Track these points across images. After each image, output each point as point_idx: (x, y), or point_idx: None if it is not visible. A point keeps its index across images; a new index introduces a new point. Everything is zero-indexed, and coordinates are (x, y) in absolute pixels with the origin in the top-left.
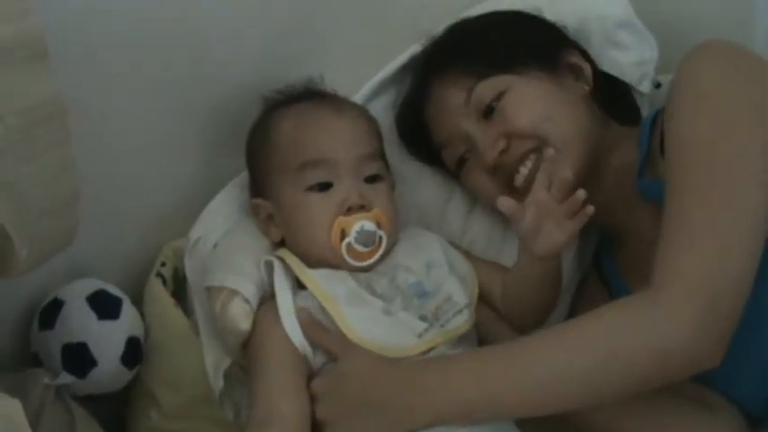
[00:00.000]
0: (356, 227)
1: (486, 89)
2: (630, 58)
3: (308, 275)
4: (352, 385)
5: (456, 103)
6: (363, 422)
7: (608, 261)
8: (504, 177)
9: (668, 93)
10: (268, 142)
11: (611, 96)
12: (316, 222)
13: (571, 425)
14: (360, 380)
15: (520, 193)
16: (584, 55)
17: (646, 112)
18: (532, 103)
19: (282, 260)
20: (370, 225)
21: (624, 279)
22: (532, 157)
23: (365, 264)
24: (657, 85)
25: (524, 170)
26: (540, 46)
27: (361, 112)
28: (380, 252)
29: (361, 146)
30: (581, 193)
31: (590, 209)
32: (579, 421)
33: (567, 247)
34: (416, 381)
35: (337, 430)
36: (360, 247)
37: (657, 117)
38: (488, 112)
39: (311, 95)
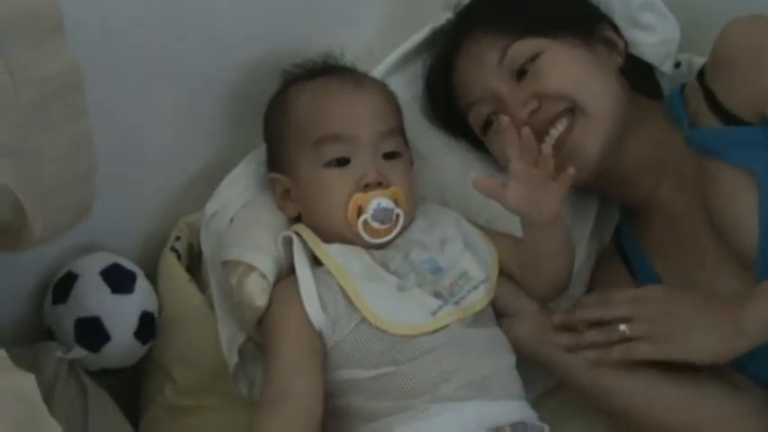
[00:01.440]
0: (373, 204)
1: (520, 50)
2: (654, 38)
3: (324, 250)
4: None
5: (488, 63)
6: (706, 330)
7: (630, 241)
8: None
9: (718, 58)
10: (286, 116)
11: (639, 72)
12: (332, 198)
13: (605, 411)
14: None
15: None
16: (617, 31)
17: (667, 91)
18: (567, 66)
19: (299, 235)
20: (387, 202)
21: (650, 259)
22: (564, 120)
23: (381, 241)
24: (677, 65)
25: (555, 132)
26: (578, 15)
27: (381, 87)
28: (397, 230)
29: (379, 122)
30: (546, 148)
31: (571, 170)
32: (609, 406)
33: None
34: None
35: (680, 337)
36: (376, 225)
37: (684, 88)
38: (521, 74)
39: (330, 70)
